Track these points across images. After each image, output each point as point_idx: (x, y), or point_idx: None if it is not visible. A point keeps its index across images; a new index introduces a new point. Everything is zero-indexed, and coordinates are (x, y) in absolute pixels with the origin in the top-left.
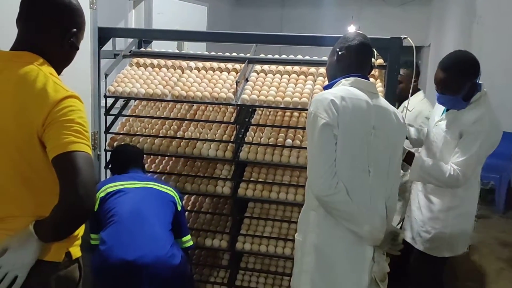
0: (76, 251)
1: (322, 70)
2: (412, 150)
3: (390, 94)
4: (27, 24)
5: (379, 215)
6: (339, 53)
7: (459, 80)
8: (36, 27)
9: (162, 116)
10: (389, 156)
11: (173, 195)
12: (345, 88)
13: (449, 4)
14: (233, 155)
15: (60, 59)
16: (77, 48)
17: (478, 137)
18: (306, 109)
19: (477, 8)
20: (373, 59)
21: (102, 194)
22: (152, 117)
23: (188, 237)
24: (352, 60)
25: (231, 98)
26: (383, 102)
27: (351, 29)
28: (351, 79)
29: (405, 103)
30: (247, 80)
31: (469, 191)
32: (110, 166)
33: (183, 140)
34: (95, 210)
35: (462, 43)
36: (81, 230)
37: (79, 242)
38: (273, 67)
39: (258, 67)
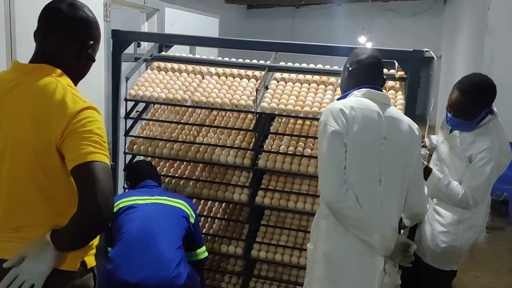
0: (91, 260)
1: None
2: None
3: (411, 106)
4: (46, 38)
5: (390, 226)
6: (350, 68)
7: (478, 107)
8: (55, 41)
9: (182, 121)
10: (402, 166)
11: (185, 209)
12: (357, 98)
13: (460, 15)
14: (251, 162)
15: (77, 71)
16: (94, 60)
17: (488, 164)
18: None
19: (488, 19)
20: (393, 71)
21: (114, 210)
22: (172, 122)
23: (203, 249)
24: (364, 74)
25: (250, 106)
26: (396, 112)
27: (362, 39)
28: (363, 90)
29: None
30: (266, 88)
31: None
32: (126, 180)
33: (202, 145)
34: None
35: (474, 53)
36: (96, 240)
37: (94, 251)
38: (293, 75)
39: (278, 75)
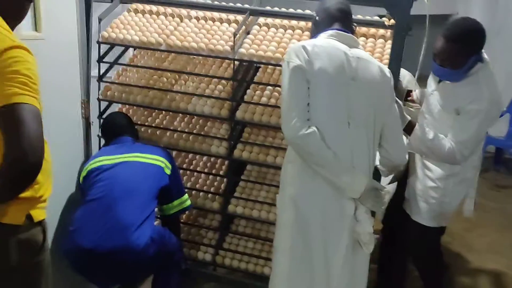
0: (38, 214)
1: None
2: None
3: (396, 56)
4: None
5: (361, 169)
6: (317, 18)
7: (466, 54)
8: None
9: (155, 67)
10: (373, 109)
11: (159, 163)
12: (322, 39)
13: None
14: (229, 113)
15: (12, 10)
16: (31, 1)
17: (476, 116)
18: None
19: None
20: (385, 18)
21: (84, 173)
22: (146, 67)
23: (181, 199)
24: (331, 21)
25: (228, 52)
26: (365, 54)
27: None
28: (330, 31)
29: None
30: (248, 33)
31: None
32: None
33: (178, 94)
34: (80, 183)
35: (488, 9)
36: (46, 192)
37: (44, 204)
38: (278, 21)
39: (262, 20)
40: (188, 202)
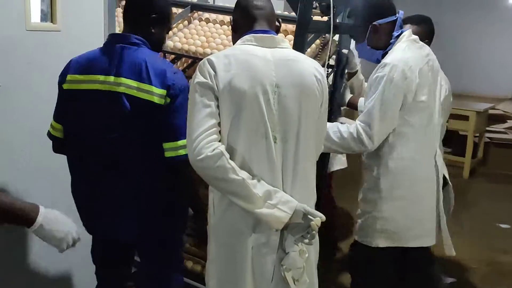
0: None
1: None
2: None
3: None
4: None
5: (295, 191)
6: (232, 23)
7: (362, 26)
8: None
9: None
10: (307, 117)
11: (151, 97)
12: (236, 47)
13: None
14: None
15: None
16: None
17: (379, 83)
18: None
19: None
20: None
21: (66, 86)
22: None
23: (181, 142)
24: (249, 23)
25: None
26: (291, 53)
27: None
28: (245, 37)
29: None
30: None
31: (404, 162)
32: None
33: None
34: (63, 89)
35: None
36: None
37: None
38: (221, 17)
39: (207, 15)
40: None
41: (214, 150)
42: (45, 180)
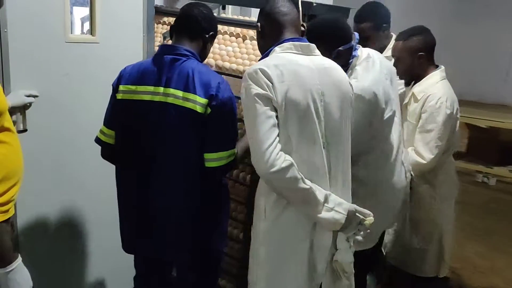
0: None
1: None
2: None
3: None
4: None
5: (342, 192)
6: (260, 26)
7: (324, 49)
8: None
9: None
10: (348, 121)
11: (193, 106)
12: (278, 55)
13: None
14: None
15: None
16: None
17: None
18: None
19: None
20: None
21: (120, 96)
22: None
23: (221, 154)
24: (279, 27)
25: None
26: (327, 61)
27: None
28: (285, 44)
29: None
30: None
31: (379, 161)
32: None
33: None
34: (116, 98)
35: None
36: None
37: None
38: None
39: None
40: (223, 162)
41: (284, 161)
42: (87, 190)
